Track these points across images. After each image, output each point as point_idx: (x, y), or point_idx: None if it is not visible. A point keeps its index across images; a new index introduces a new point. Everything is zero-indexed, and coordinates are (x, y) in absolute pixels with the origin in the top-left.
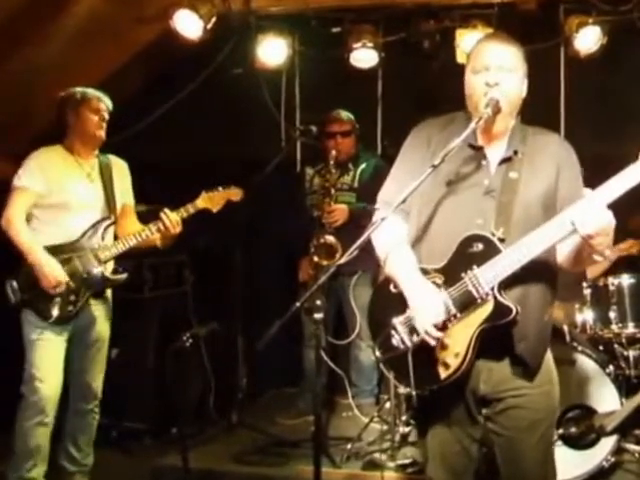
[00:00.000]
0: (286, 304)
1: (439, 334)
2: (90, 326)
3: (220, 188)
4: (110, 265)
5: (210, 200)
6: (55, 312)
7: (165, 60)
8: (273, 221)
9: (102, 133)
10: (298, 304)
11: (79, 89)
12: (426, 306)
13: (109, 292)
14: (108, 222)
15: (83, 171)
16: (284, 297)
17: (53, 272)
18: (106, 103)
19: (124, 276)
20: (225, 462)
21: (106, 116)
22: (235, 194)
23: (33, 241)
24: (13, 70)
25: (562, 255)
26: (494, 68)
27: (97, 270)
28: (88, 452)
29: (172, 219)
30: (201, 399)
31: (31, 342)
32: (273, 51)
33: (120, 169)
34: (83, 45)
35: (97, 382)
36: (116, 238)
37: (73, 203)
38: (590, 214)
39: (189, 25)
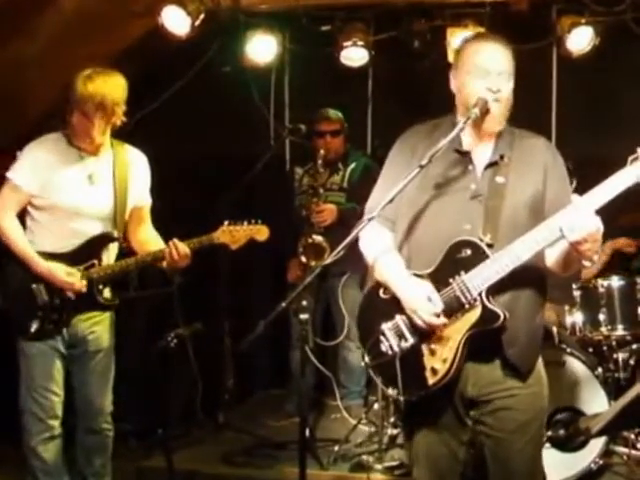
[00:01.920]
0: (274, 305)
1: (444, 320)
2: (85, 338)
3: (245, 223)
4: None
5: (231, 235)
6: (33, 328)
7: (153, 57)
8: (262, 220)
9: (104, 138)
10: (284, 304)
11: (87, 80)
12: (422, 298)
13: None
14: (108, 239)
15: (84, 170)
16: (272, 298)
17: (65, 278)
18: (120, 103)
19: (116, 301)
20: (212, 463)
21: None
22: (262, 232)
23: (28, 247)
24: (0, 66)
25: (551, 259)
26: (495, 73)
27: (87, 292)
28: (103, 474)
29: (180, 251)
30: (188, 400)
31: (21, 353)
32: (262, 49)
33: (140, 166)
34: (70, 40)
35: (101, 397)
36: (128, 246)
37: (71, 209)
38: (578, 221)
39: (177, 22)
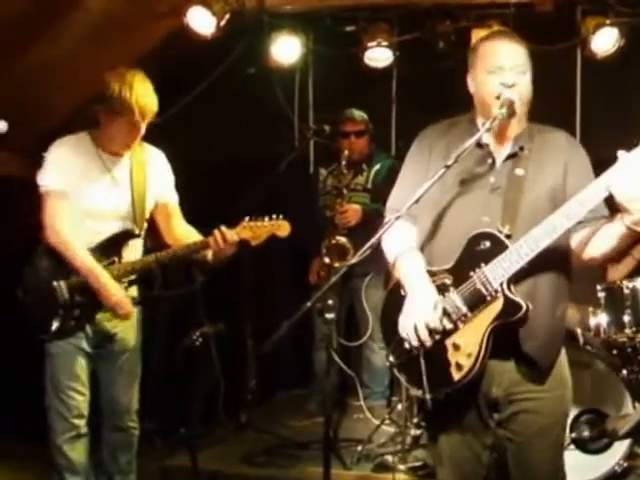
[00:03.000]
0: (296, 305)
1: (429, 339)
2: (111, 337)
3: (266, 219)
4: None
5: (251, 231)
6: (54, 326)
7: (177, 58)
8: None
9: (134, 144)
10: (309, 304)
11: (127, 87)
12: (422, 307)
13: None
14: (129, 235)
15: (107, 171)
16: (295, 298)
17: (123, 301)
18: (152, 111)
19: (134, 295)
20: (234, 463)
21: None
22: (283, 228)
23: (93, 262)
24: (25, 67)
25: (579, 245)
26: (509, 68)
27: None
28: (128, 471)
29: (228, 237)
30: (210, 400)
31: (46, 352)
32: (286, 49)
33: (158, 164)
34: (96, 42)
35: (128, 396)
36: (161, 243)
37: (94, 209)
38: (628, 173)
39: (202, 22)
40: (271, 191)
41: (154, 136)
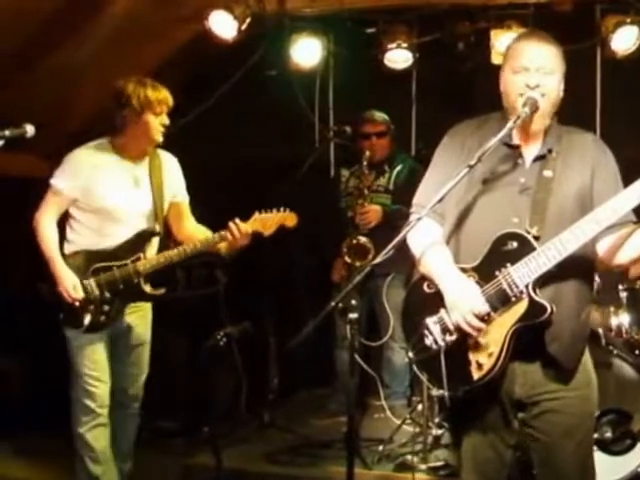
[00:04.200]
0: (318, 305)
1: (481, 324)
2: (128, 330)
3: (274, 210)
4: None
5: (262, 223)
6: (86, 321)
7: (199, 61)
8: (306, 222)
9: (161, 137)
10: (333, 303)
11: (140, 86)
12: (465, 296)
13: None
14: (151, 233)
15: (129, 175)
16: (316, 298)
17: (69, 288)
18: (168, 102)
19: (162, 291)
20: (257, 462)
21: (167, 117)
22: (290, 219)
23: (54, 251)
24: (50, 69)
25: (604, 250)
26: (534, 69)
27: (134, 283)
28: (125, 456)
29: (242, 229)
30: (233, 399)
31: (71, 345)
32: (307, 52)
33: (172, 166)
34: (119, 45)
35: (135, 386)
36: (173, 241)
37: (116, 212)
38: None
39: (224, 26)
40: (293, 192)
41: (176, 140)
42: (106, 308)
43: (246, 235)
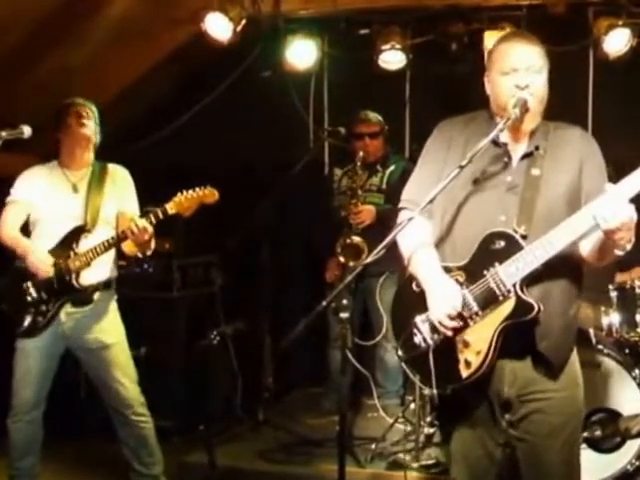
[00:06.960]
0: (313, 304)
1: (453, 323)
2: (82, 334)
3: (197, 189)
4: (87, 273)
5: (180, 205)
6: (26, 323)
7: (195, 63)
8: (300, 222)
9: (86, 131)
10: (324, 303)
11: (60, 107)
12: (441, 297)
13: (110, 297)
14: (81, 229)
15: (69, 182)
16: (310, 297)
17: (41, 258)
18: (87, 106)
19: (92, 283)
20: (251, 460)
21: (87, 116)
22: (209, 196)
23: (20, 239)
24: (47, 71)
25: (585, 249)
26: (523, 69)
27: (66, 280)
28: (150, 462)
29: (139, 224)
30: (228, 398)
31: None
32: (302, 53)
33: (118, 177)
34: (116, 47)
35: (123, 390)
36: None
37: (57, 214)
38: (611, 209)
39: (219, 28)
40: (287, 192)
41: (171, 141)
42: (43, 308)
43: (144, 230)
